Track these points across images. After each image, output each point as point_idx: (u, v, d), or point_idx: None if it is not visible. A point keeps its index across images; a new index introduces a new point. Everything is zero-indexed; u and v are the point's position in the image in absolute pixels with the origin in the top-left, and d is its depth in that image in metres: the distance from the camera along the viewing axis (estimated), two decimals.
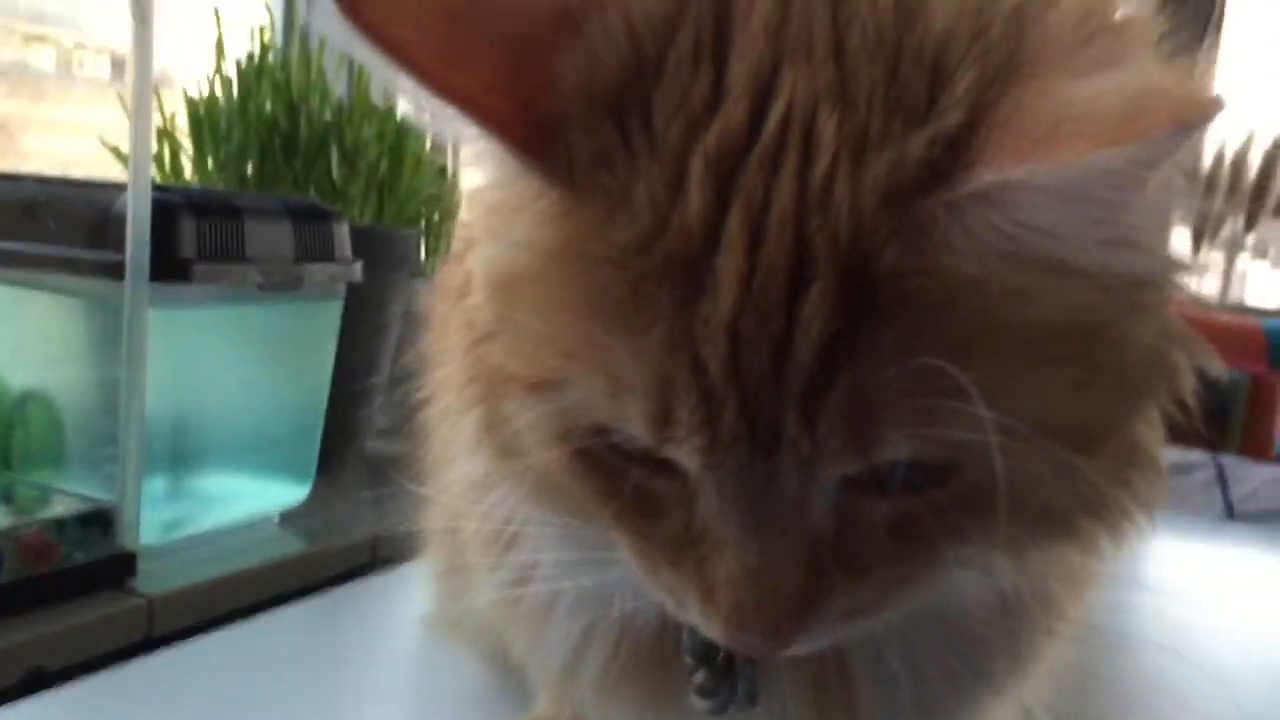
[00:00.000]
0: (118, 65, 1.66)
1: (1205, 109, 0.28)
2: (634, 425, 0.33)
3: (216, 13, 1.32)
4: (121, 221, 0.91)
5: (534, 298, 0.35)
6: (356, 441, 1.30)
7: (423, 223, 1.43)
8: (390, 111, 1.38)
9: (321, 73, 1.35)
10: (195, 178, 1.30)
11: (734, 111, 0.32)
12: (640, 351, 0.32)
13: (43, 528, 0.89)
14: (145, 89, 0.90)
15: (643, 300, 0.32)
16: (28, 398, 1.02)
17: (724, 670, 0.43)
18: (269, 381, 1.09)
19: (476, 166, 0.38)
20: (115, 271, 0.91)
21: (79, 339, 1.01)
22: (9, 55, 1.63)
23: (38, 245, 0.96)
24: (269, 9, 1.40)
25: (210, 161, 1.31)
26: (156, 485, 1.00)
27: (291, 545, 1.06)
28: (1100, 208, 0.31)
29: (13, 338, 1.04)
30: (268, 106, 1.31)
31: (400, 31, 0.32)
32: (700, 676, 0.43)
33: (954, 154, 0.30)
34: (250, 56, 1.32)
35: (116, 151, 1.23)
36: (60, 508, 0.93)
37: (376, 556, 1.03)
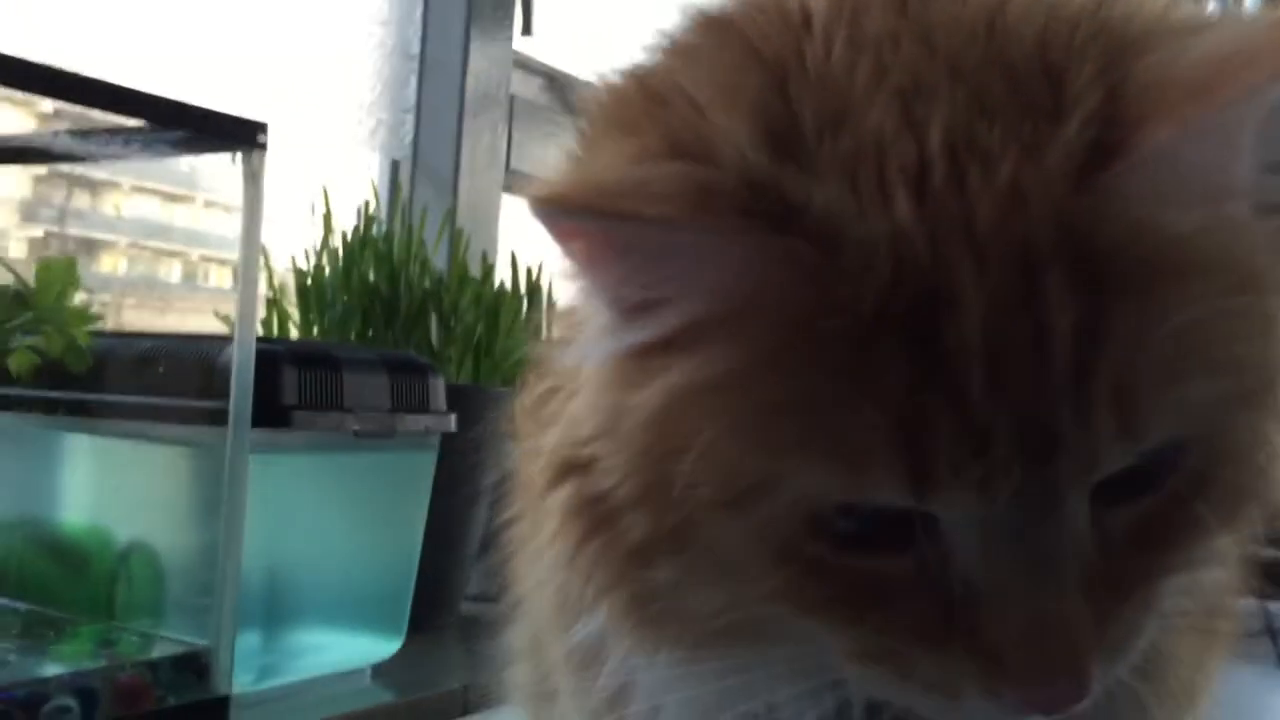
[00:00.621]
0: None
1: None
2: (886, 488, 0.32)
3: (325, 191, 1.40)
4: (227, 371, 0.94)
5: (719, 412, 0.33)
6: (450, 598, 1.30)
7: (517, 383, 1.46)
8: (487, 278, 1.43)
9: (422, 244, 1.41)
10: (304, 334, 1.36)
11: (903, 150, 0.32)
12: (880, 401, 0.31)
13: (138, 670, 0.91)
14: (253, 245, 0.95)
15: (875, 349, 0.31)
16: (132, 549, 1.05)
17: None
18: (364, 533, 1.10)
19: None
20: (219, 418, 0.95)
21: (182, 489, 1.04)
22: (139, 270, 1.74)
23: (148, 397, 1.00)
24: (374, 186, 1.48)
25: (315, 328, 1.36)
26: (251, 635, 1.01)
27: (382, 697, 1.05)
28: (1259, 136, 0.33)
29: (119, 489, 1.08)
30: (371, 275, 1.37)
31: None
32: None
33: (1113, 126, 0.32)
34: (355, 229, 1.39)
35: (226, 320, 1.29)
36: (155, 653, 0.94)
37: (468, 708, 1.02)
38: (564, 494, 0.39)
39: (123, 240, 1.80)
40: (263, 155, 0.94)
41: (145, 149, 0.96)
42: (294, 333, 1.36)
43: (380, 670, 1.10)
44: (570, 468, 0.39)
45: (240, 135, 0.94)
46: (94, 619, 1.03)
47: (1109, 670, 0.34)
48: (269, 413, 0.96)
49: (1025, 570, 0.32)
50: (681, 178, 0.32)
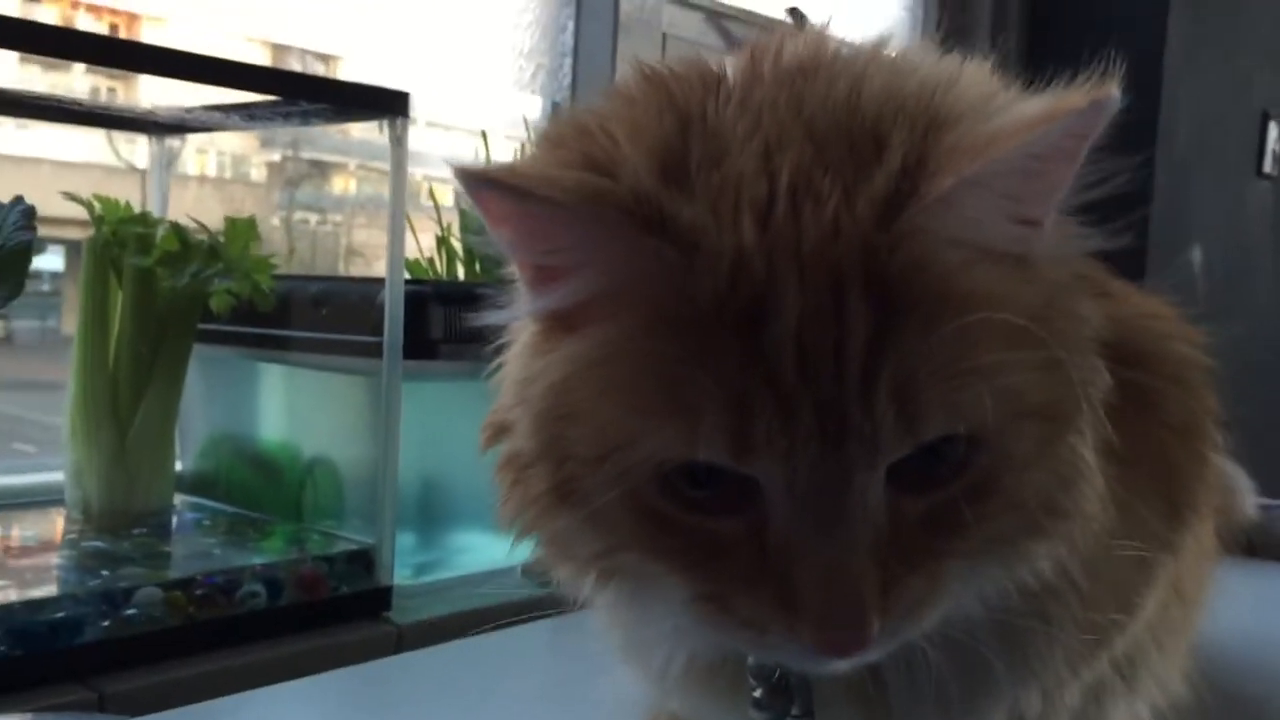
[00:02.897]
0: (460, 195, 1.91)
1: (1112, 94, 0.38)
2: (717, 448, 0.39)
3: (484, 134, 1.53)
4: (383, 310, 1.09)
5: (595, 381, 0.42)
6: None
7: None
8: None
9: None
10: (466, 278, 1.50)
11: (757, 186, 0.41)
12: (718, 378, 0.38)
13: (316, 564, 1.08)
14: (400, 200, 1.10)
15: (717, 337, 0.39)
16: (315, 462, 1.23)
17: (780, 688, 0.49)
18: None
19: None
20: (378, 351, 1.10)
21: (353, 411, 1.21)
22: (368, 191, 1.91)
23: (320, 332, 1.17)
24: (529, 127, 1.59)
25: (478, 265, 1.50)
26: (411, 536, 1.17)
27: (528, 589, 1.20)
28: (1035, 183, 0.41)
29: (304, 411, 1.25)
30: None
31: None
32: (758, 693, 0.49)
33: (914, 179, 0.40)
34: None
35: (415, 264, 1.43)
36: (332, 549, 1.11)
37: None
38: (499, 452, 0.48)
39: (352, 163, 1.97)
40: (406, 123, 1.08)
41: (302, 119, 1.11)
42: (460, 270, 1.50)
43: (528, 569, 1.24)
44: (501, 429, 0.48)
45: (385, 105, 1.08)
46: (286, 521, 1.22)
47: (895, 628, 0.40)
48: (419, 346, 1.11)
49: (822, 531, 0.39)
50: (581, 179, 0.41)
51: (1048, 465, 0.43)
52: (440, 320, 1.13)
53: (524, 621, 1.03)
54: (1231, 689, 0.77)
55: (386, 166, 1.10)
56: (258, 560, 1.08)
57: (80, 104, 1.08)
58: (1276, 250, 2.76)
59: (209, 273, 1.12)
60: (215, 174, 2.03)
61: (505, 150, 1.54)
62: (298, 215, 1.98)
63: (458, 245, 1.51)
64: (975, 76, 0.45)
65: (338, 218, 1.98)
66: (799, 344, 0.38)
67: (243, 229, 1.14)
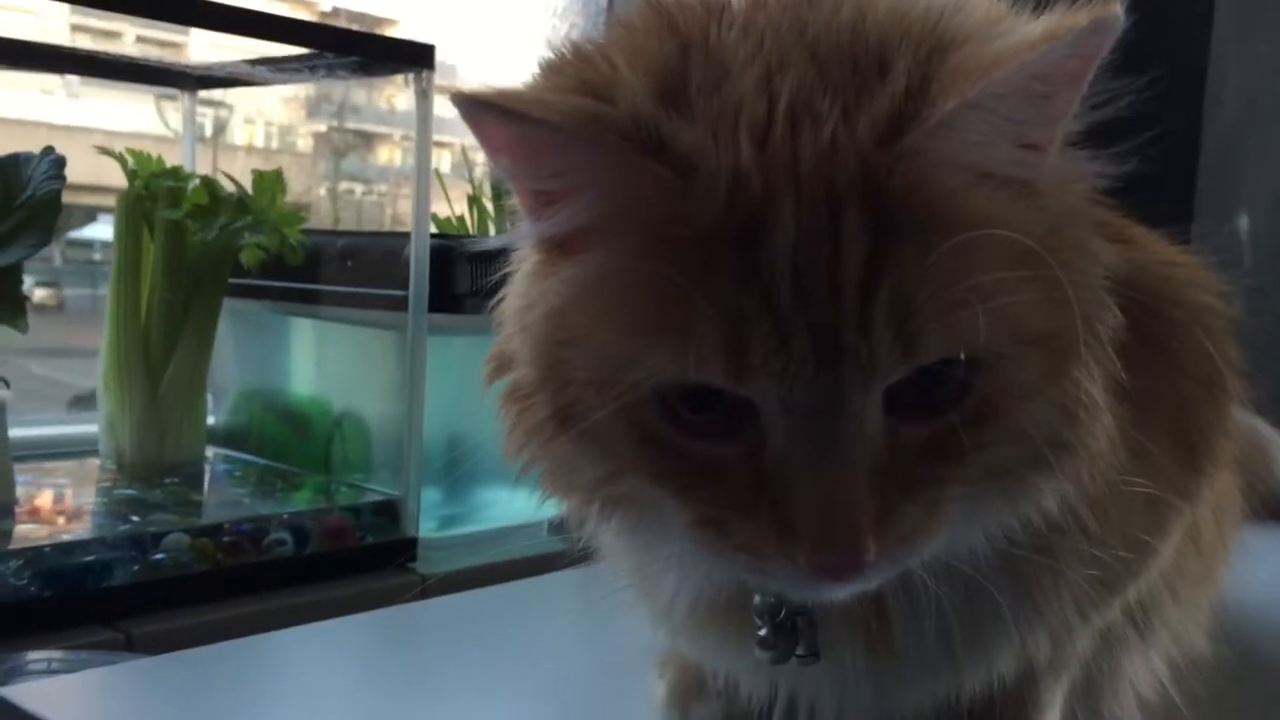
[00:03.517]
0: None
1: (1114, 12, 0.37)
2: (712, 367, 0.38)
3: None
4: (407, 263, 1.10)
5: (593, 304, 0.41)
6: None
7: None
8: None
9: None
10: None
11: (756, 108, 0.40)
12: (714, 298, 0.38)
13: (343, 514, 1.09)
14: (425, 154, 1.10)
15: (714, 258, 0.39)
16: (344, 415, 1.24)
17: (785, 628, 0.48)
18: None
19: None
20: (404, 305, 1.11)
21: (380, 365, 1.22)
22: (413, 161, 1.93)
23: (350, 287, 1.17)
24: None
25: (509, 223, 1.51)
26: (436, 489, 1.18)
27: (555, 544, 1.21)
28: (1040, 107, 0.40)
29: (332, 365, 1.26)
30: None
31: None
32: (763, 632, 0.48)
33: (917, 102, 0.39)
34: None
35: (446, 221, 1.44)
36: (358, 499, 1.13)
37: None
38: (504, 383, 0.48)
39: (396, 133, 1.98)
40: (431, 75, 1.08)
41: (329, 73, 1.11)
42: (491, 228, 1.51)
43: (555, 525, 1.25)
44: (504, 361, 0.48)
45: (410, 58, 1.08)
46: (315, 473, 1.23)
47: (892, 554, 0.39)
48: (445, 300, 1.11)
49: (818, 455, 0.38)
50: (579, 103, 0.40)
51: (1051, 396, 0.42)
52: (466, 274, 1.14)
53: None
54: (1254, 650, 0.76)
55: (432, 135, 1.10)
56: (283, 509, 1.09)
57: (112, 56, 1.09)
58: None
59: (238, 225, 1.13)
60: (263, 144, 2.05)
61: None
62: (344, 185, 1.99)
63: (489, 205, 1.51)
64: (984, 1, 0.44)
65: (383, 187, 1.99)
66: (795, 264, 0.38)
67: (269, 181, 1.15)
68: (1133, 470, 0.49)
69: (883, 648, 0.49)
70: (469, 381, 1.18)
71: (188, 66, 1.21)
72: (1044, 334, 0.40)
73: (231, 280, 1.20)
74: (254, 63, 1.14)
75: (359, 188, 2.15)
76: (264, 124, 2.10)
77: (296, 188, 2.13)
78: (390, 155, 2.07)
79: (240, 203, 1.14)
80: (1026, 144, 0.41)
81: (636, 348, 0.40)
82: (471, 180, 1.50)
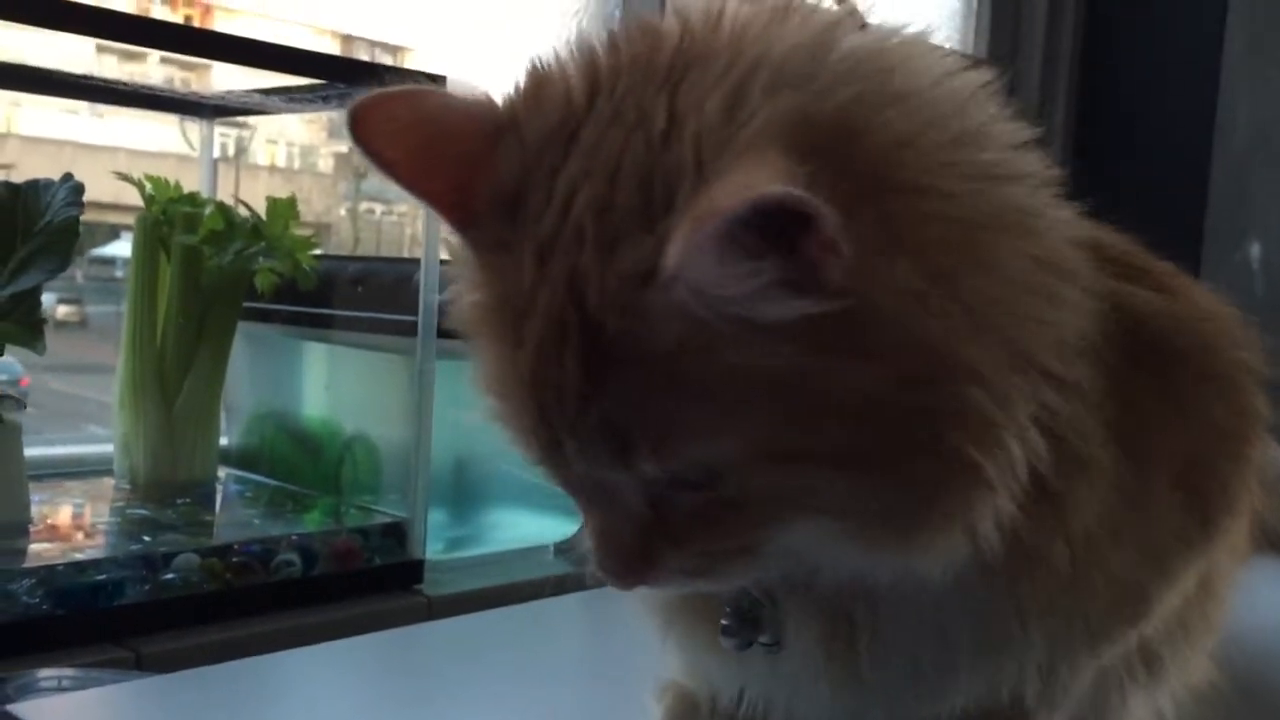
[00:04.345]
0: None
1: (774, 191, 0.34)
2: (522, 450, 0.44)
3: None
4: (416, 289, 1.12)
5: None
6: None
7: None
8: None
9: None
10: None
11: (548, 218, 0.41)
12: (507, 394, 0.43)
13: (351, 535, 1.11)
14: None
15: (508, 360, 0.42)
16: (354, 438, 1.26)
17: (749, 617, 0.50)
18: None
19: None
20: (414, 330, 1.12)
21: (389, 389, 1.24)
22: None
23: (360, 312, 1.19)
24: None
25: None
26: (443, 512, 1.19)
27: (560, 568, 1.22)
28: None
29: (343, 389, 1.28)
30: None
31: (393, 154, 0.44)
32: (726, 620, 0.50)
33: (655, 256, 0.38)
34: None
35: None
36: (366, 521, 1.14)
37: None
38: None
39: None
40: None
41: (343, 102, 1.13)
42: None
43: (562, 549, 1.26)
44: None
45: None
46: (325, 495, 1.25)
47: (669, 582, 0.44)
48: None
49: (588, 506, 0.43)
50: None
51: (783, 491, 0.42)
52: None
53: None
54: (1258, 680, 0.77)
55: None
56: (294, 531, 1.11)
57: (130, 87, 1.11)
58: None
59: (252, 250, 1.15)
60: (284, 164, 2.08)
61: None
62: (364, 205, 2.01)
63: None
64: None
65: (403, 208, 2.01)
66: (531, 379, 0.40)
67: (283, 208, 1.17)
68: (1127, 518, 0.49)
69: (848, 650, 0.49)
70: (476, 406, 1.20)
71: (205, 96, 1.24)
72: (793, 451, 0.40)
73: (246, 304, 1.22)
74: (269, 92, 1.16)
75: (379, 208, 2.17)
76: (285, 144, 2.12)
77: (318, 208, 2.15)
78: None
79: (255, 228, 1.16)
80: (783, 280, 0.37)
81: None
82: None
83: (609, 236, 0.39)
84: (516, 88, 0.44)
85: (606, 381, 0.39)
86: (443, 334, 1.13)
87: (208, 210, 1.19)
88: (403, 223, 2.04)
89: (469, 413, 1.07)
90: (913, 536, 0.42)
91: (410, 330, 1.14)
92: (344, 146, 1.98)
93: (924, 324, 0.38)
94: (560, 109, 0.43)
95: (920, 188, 0.39)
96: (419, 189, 0.44)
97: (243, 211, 1.20)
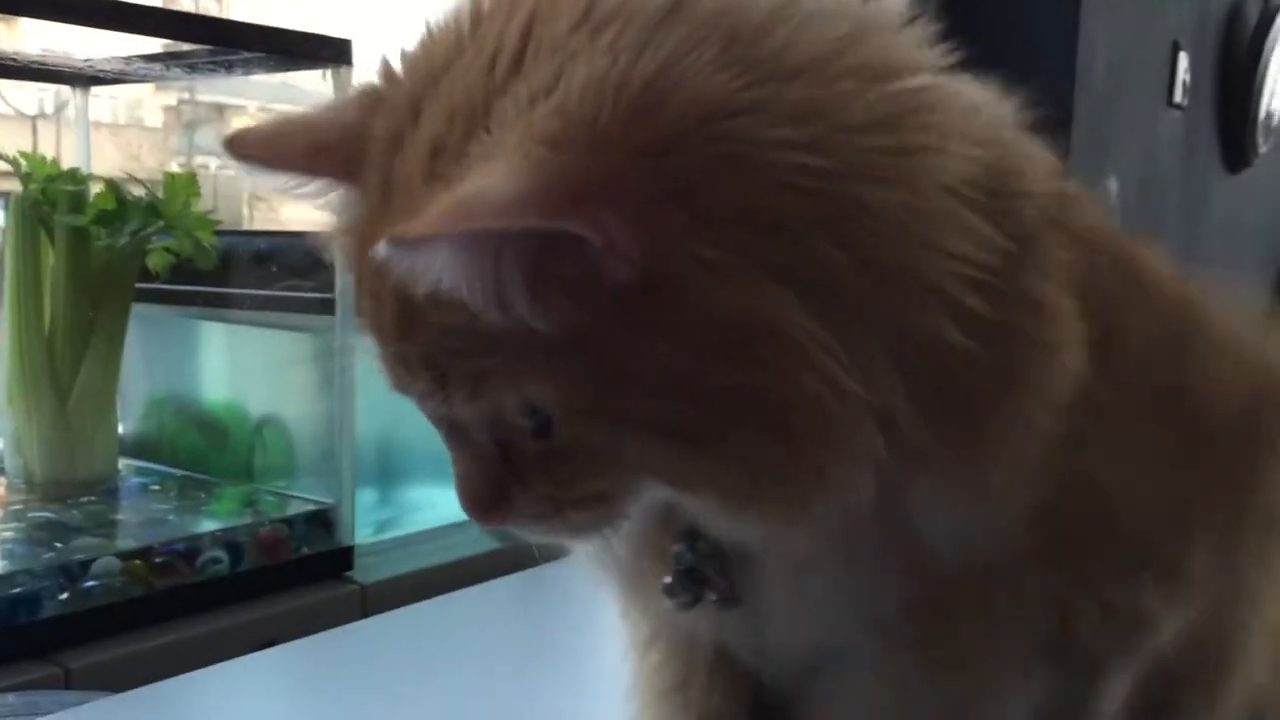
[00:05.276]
0: None
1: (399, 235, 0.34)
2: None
3: None
4: (332, 265, 1.07)
5: None
6: None
7: None
8: None
9: None
10: None
11: (400, 154, 0.40)
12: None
13: (276, 526, 1.06)
14: None
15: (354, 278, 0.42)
16: (265, 421, 1.20)
17: (691, 575, 0.48)
18: None
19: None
20: (330, 307, 1.07)
21: (303, 369, 1.18)
22: None
23: (267, 289, 1.14)
24: None
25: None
26: (370, 493, 1.16)
27: (489, 544, 1.19)
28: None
29: (251, 370, 1.22)
30: None
31: (271, 155, 0.43)
32: (668, 579, 0.48)
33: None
34: None
35: None
36: (289, 510, 1.10)
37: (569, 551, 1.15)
38: None
39: (252, 105, 1.91)
40: (350, 71, 1.04)
41: (246, 70, 1.07)
42: None
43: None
44: None
45: (328, 54, 1.04)
46: (236, 482, 1.19)
47: (523, 522, 0.43)
48: None
49: (450, 447, 0.42)
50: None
51: (646, 462, 0.41)
52: None
53: (488, 579, 1.04)
54: None
55: (288, 108, 1.06)
56: (213, 524, 1.06)
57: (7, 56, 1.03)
58: (1185, 180, 2.83)
59: (149, 231, 1.08)
60: (109, 119, 1.96)
61: None
62: (198, 160, 1.92)
63: None
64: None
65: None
66: (372, 315, 0.40)
67: (183, 184, 1.10)
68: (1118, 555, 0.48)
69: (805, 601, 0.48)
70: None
71: (84, 65, 1.15)
72: (612, 412, 0.38)
73: (138, 285, 1.15)
74: (162, 59, 1.08)
75: (214, 163, 2.09)
76: (109, 99, 2.01)
77: (149, 164, 2.05)
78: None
79: (150, 206, 1.09)
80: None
81: None
82: None
83: (418, 179, 0.38)
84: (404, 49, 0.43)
85: (413, 325, 0.38)
86: None
87: (93, 187, 1.11)
88: (239, 177, 1.96)
89: (388, 390, 1.04)
90: (764, 509, 0.41)
91: (322, 307, 1.09)
92: (173, 99, 1.89)
93: (730, 298, 0.36)
94: (436, 52, 0.41)
95: (734, 155, 0.36)
96: (312, 173, 0.43)
97: (135, 189, 1.13)
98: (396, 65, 0.43)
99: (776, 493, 0.40)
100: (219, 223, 1.14)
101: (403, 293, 0.37)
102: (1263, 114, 2.78)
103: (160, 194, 1.13)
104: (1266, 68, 2.75)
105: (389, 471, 1.19)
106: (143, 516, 1.10)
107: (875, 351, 0.37)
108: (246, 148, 0.44)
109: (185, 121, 1.92)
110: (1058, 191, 0.44)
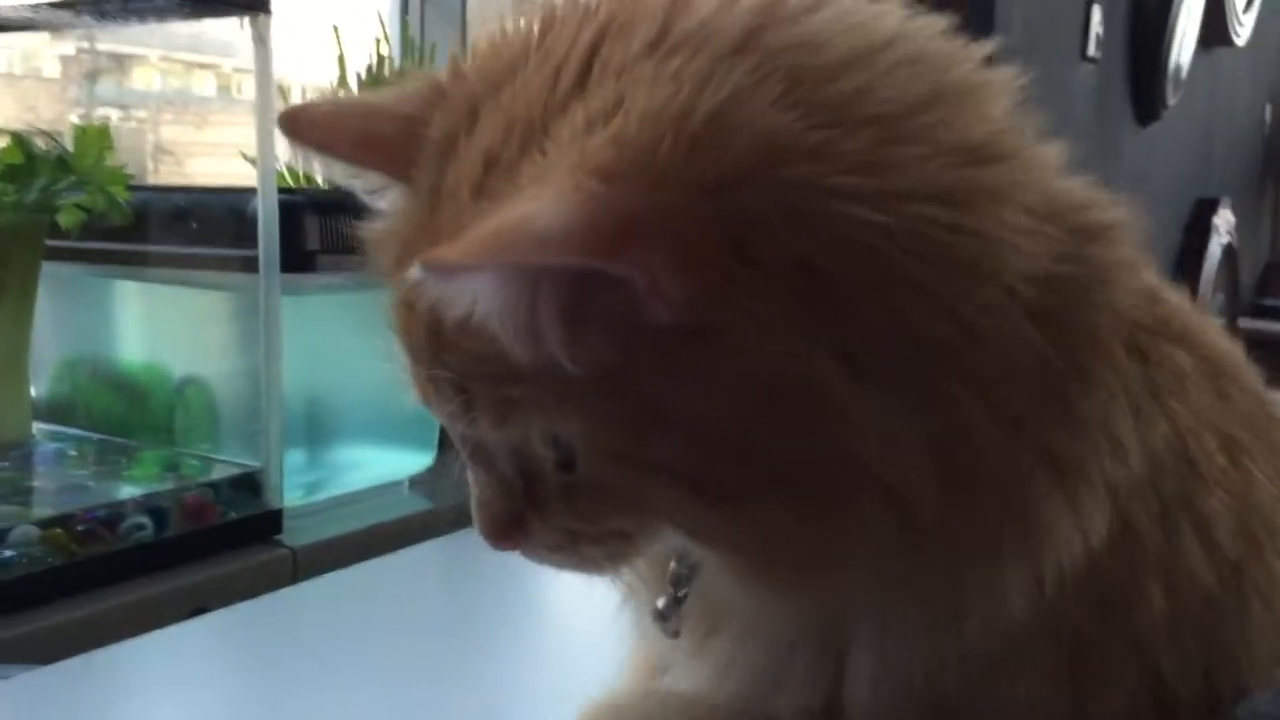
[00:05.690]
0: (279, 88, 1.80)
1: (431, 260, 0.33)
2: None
3: (336, 30, 1.45)
4: (255, 221, 1.04)
5: None
6: None
7: None
8: None
9: None
10: (326, 182, 1.43)
11: (453, 163, 0.39)
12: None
13: (201, 490, 1.03)
14: (266, 103, 1.03)
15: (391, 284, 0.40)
16: (186, 383, 1.17)
17: (681, 602, 0.47)
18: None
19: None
20: (252, 265, 1.04)
21: (226, 329, 1.15)
22: (173, 84, 1.79)
23: (187, 247, 1.10)
24: (382, 22, 1.52)
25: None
26: (297, 455, 1.13)
27: (419, 504, 1.18)
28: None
29: (171, 330, 1.19)
30: None
31: (326, 139, 0.42)
32: (661, 602, 0.47)
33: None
34: (369, 67, 1.45)
35: (253, 161, 1.36)
36: (215, 474, 1.07)
37: None
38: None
39: (154, 54, 1.85)
40: (268, 19, 1.01)
41: (160, 17, 1.03)
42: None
43: (416, 482, 1.22)
44: None
45: (244, 1, 1.00)
46: (157, 446, 1.16)
47: (539, 553, 0.42)
48: (295, 258, 1.06)
49: (478, 469, 0.41)
50: None
51: (665, 509, 0.39)
52: (316, 231, 1.08)
53: (421, 540, 1.03)
54: None
55: (191, 58, 1.03)
56: (135, 489, 1.03)
57: None
58: (1098, 132, 2.88)
59: (59, 186, 1.04)
60: (4, 69, 1.88)
61: (359, 48, 1.46)
62: (98, 112, 1.85)
63: None
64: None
65: (142, 114, 1.86)
66: (403, 328, 0.39)
67: (94, 138, 1.06)
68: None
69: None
70: (322, 342, 1.13)
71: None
72: (634, 455, 0.37)
73: (48, 243, 1.11)
74: (72, 5, 1.04)
75: (115, 114, 2.02)
76: (3, 48, 1.92)
77: (47, 115, 1.97)
78: (148, 79, 1.94)
79: (60, 161, 1.05)
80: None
81: None
82: None
83: (466, 192, 0.37)
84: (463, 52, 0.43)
85: (444, 346, 0.37)
86: (284, 268, 1.05)
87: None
88: (143, 129, 1.90)
89: (314, 350, 1.02)
90: (778, 576, 0.39)
91: (245, 265, 1.05)
92: (71, 48, 1.81)
93: (775, 356, 0.34)
94: (504, 54, 0.40)
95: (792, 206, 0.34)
96: (363, 164, 0.42)
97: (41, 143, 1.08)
98: (464, 61, 0.41)
99: (793, 561, 0.38)
100: (132, 177, 1.09)
101: (435, 314, 0.36)
102: (1172, 67, 2.82)
103: (69, 147, 1.09)
104: (1176, 21, 2.80)
105: (318, 433, 1.17)
106: (60, 483, 1.06)
107: (907, 432, 0.35)
108: (302, 128, 0.42)
109: (85, 72, 1.85)
110: (1139, 321, 0.42)
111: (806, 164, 0.34)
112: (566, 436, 0.38)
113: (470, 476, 0.42)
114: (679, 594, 0.46)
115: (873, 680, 0.41)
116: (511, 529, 0.41)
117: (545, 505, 0.41)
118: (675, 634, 0.47)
